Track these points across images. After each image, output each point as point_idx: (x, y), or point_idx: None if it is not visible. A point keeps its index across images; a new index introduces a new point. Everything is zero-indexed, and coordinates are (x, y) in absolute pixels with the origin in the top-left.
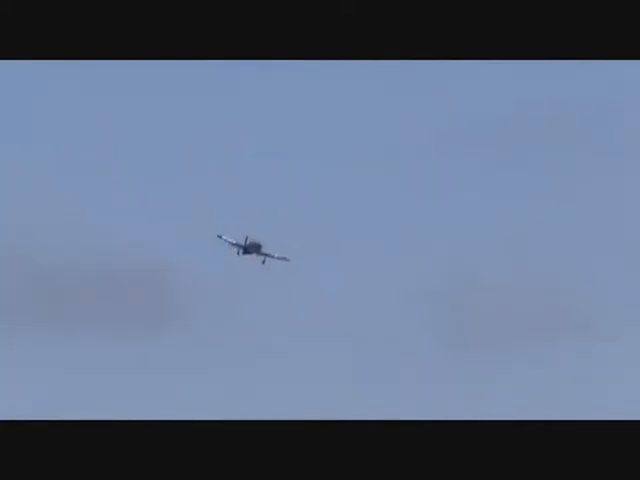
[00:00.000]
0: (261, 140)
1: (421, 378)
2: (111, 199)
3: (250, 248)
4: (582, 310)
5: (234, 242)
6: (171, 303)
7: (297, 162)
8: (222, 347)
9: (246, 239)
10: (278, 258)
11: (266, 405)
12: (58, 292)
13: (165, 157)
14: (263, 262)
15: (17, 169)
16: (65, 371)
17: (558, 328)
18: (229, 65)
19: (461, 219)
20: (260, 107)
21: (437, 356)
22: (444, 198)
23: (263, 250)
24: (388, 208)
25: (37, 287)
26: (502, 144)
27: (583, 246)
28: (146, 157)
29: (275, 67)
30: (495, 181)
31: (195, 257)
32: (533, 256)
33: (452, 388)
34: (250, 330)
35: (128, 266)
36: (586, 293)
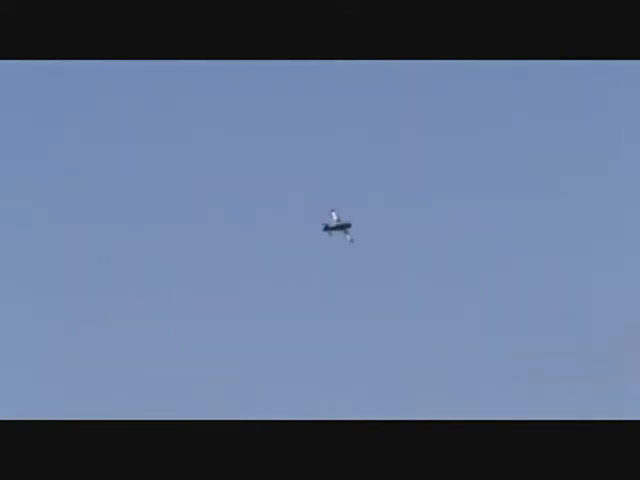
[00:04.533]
0: (259, 140)
1: None
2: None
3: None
4: None
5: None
6: None
7: (295, 161)
8: None
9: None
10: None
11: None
12: None
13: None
14: (351, 241)
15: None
16: None
17: None
18: (229, 65)
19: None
20: (259, 107)
21: None
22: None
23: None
24: (389, 207)
25: None
26: (501, 144)
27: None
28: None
29: (275, 67)
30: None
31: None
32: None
33: None
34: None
35: None
36: None
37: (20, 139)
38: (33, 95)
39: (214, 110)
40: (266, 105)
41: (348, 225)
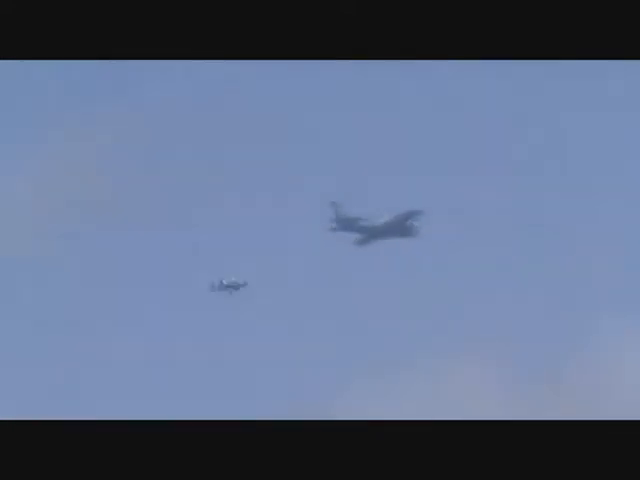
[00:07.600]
0: (259, 140)
1: None
2: None
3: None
4: None
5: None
6: None
7: (295, 162)
8: None
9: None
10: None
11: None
12: None
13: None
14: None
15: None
16: None
17: None
18: (229, 65)
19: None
20: (260, 107)
21: None
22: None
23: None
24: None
25: None
26: (502, 143)
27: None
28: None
29: (275, 67)
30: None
31: None
32: None
33: None
34: None
35: None
36: None
37: (19, 139)
38: (33, 95)
39: (212, 110)
40: (265, 105)
41: (244, 284)
